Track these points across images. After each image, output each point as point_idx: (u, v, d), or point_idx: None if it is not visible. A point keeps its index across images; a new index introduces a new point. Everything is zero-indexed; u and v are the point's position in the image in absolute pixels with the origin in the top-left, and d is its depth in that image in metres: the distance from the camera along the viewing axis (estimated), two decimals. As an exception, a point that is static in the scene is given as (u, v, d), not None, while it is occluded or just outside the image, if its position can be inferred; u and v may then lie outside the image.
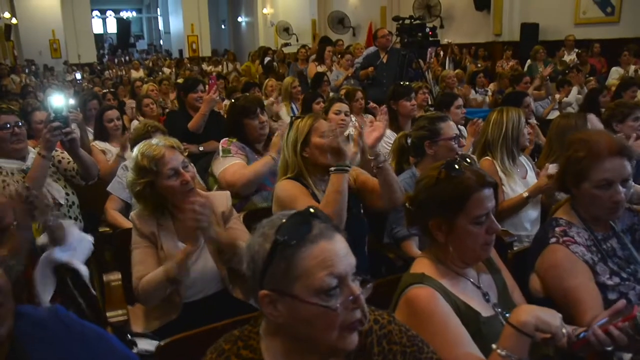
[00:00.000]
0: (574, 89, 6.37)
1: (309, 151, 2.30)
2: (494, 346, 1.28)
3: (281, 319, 1.08)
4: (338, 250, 1.07)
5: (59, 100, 2.64)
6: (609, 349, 1.29)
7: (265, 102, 5.15)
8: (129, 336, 2.05)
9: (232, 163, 2.90)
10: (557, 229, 1.81)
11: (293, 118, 2.45)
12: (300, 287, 1.04)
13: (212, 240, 2.06)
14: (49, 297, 2.13)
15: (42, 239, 2.13)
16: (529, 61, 9.38)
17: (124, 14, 28.14)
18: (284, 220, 1.09)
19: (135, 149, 2.15)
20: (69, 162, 3.00)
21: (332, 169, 2.14)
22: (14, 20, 17.93)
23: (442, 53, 10.04)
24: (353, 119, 4.29)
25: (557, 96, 6.39)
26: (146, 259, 2.07)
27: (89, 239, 2.30)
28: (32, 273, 2.09)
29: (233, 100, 3.35)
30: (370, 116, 4.86)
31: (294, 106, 5.78)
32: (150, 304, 2.09)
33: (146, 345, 1.98)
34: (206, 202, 1.97)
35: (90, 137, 4.27)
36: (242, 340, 1.16)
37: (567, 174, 1.82)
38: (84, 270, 2.23)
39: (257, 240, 1.10)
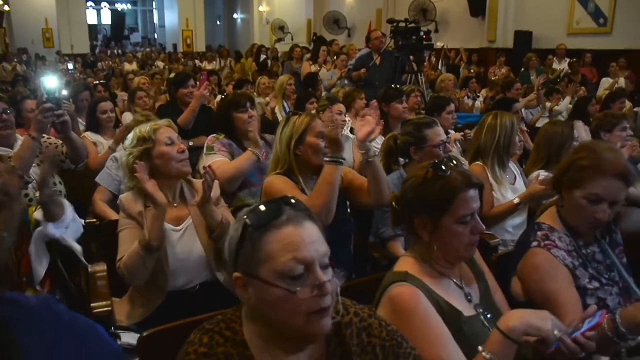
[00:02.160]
0: (566, 99, 6.42)
1: (303, 149, 2.31)
2: (480, 348, 1.30)
3: (252, 301, 1.12)
4: (305, 236, 1.09)
5: (51, 82, 2.62)
6: (582, 355, 1.30)
7: (259, 100, 5.17)
8: (112, 328, 2.05)
9: (213, 161, 2.89)
10: (538, 233, 1.82)
11: (290, 113, 2.45)
12: (266, 270, 1.07)
13: (206, 216, 2.08)
14: (43, 270, 2.18)
15: (38, 214, 2.16)
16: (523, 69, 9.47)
17: (119, 6, 27.95)
18: (256, 206, 1.13)
19: (134, 128, 2.25)
20: (56, 147, 2.98)
21: (327, 159, 2.15)
22: (6, 7, 17.74)
23: (434, 58, 10.09)
24: (347, 119, 4.31)
25: (548, 104, 6.45)
26: (131, 239, 2.07)
27: (80, 221, 2.33)
28: (27, 250, 2.13)
29: (222, 95, 3.36)
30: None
31: (285, 104, 5.79)
32: (135, 282, 2.10)
33: (129, 338, 1.98)
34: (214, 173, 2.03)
35: (81, 128, 4.25)
36: (224, 322, 1.19)
37: (565, 175, 1.83)
38: (77, 247, 2.27)
39: (234, 226, 1.15)
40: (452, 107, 4.05)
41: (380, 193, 2.25)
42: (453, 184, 1.51)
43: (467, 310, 1.53)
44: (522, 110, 5.36)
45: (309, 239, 1.09)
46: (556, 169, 1.95)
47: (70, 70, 11.53)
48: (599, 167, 1.74)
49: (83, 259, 2.31)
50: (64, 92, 4.21)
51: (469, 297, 1.58)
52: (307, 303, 1.06)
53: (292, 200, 1.14)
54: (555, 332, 1.24)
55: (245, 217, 1.12)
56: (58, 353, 1.24)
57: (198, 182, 2.30)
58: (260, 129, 3.12)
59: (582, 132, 4.37)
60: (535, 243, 1.79)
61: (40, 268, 2.18)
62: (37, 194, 2.73)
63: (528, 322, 1.26)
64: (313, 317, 1.08)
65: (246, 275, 1.10)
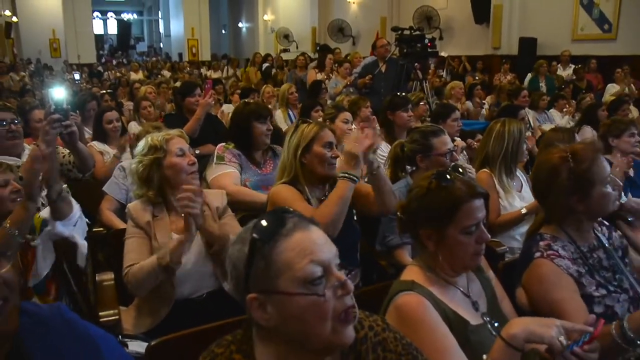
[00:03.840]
0: (565, 118, 6.44)
1: (309, 158, 2.30)
2: (484, 357, 1.29)
3: (272, 321, 1.06)
4: (316, 239, 1.07)
5: (59, 93, 2.64)
6: None
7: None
8: (120, 337, 2.06)
9: (224, 172, 2.92)
10: (541, 243, 1.81)
11: (300, 121, 2.45)
12: (285, 281, 1.04)
13: (203, 231, 2.08)
14: (47, 270, 2.21)
15: (44, 213, 2.18)
16: (529, 75, 9.45)
17: (125, 16, 28.17)
18: (257, 222, 1.10)
19: (145, 136, 2.26)
20: (64, 157, 3.00)
21: (342, 174, 2.13)
22: (14, 19, 17.95)
23: (432, 66, 10.09)
24: (354, 127, 4.32)
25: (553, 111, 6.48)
26: (138, 248, 2.09)
27: (85, 219, 2.36)
28: (33, 258, 2.15)
29: (244, 101, 3.36)
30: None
31: (290, 113, 5.81)
32: (140, 293, 2.11)
33: (137, 347, 1.99)
34: (200, 190, 2.01)
35: (88, 137, 4.28)
36: (234, 344, 1.15)
37: (573, 193, 1.78)
38: (84, 245, 2.30)
39: (236, 247, 1.11)
40: (457, 114, 4.04)
41: (385, 203, 2.24)
42: (457, 194, 1.50)
43: (474, 319, 1.53)
44: (527, 116, 5.35)
45: (320, 241, 1.08)
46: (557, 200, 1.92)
47: (77, 80, 11.60)
48: (592, 157, 1.78)
49: (84, 258, 2.31)
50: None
51: (476, 306, 1.58)
52: (333, 306, 1.05)
53: (291, 210, 1.13)
54: (561, 338, 1.21)
55: (250, 233, 1.08)
56: None
57: (207, 192, 2.32)
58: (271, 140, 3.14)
59: (588, 137, 4.37)
60: (538, 254, 1.78)
61: (44, 268, 2.19)
62: (46, 201, 2.76)
63: (530, 329, 1.24)
64: (339, 324, 1.05)
65: (263, 294, 1.05)
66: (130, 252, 2.10)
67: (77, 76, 12.27)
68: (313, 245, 1.06)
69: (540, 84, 8.46)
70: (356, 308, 1.09)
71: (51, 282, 2.20)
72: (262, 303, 1.06)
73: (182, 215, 1.98)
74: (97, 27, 25.08)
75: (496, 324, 1.53)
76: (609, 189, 1.79)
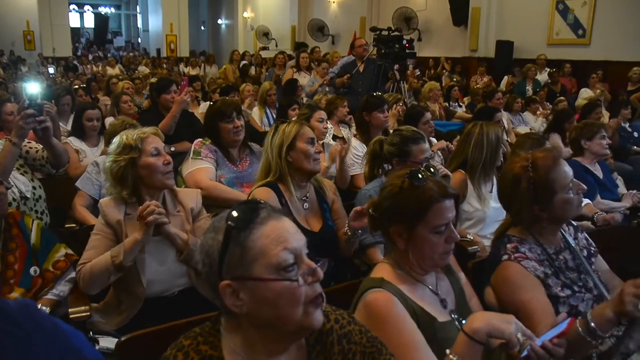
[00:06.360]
0: (539, 120, 6.56)
1: (294, 156, 2.35)
2: (447, 351, 1.32)
3: (245, 307, 1.09)
4: (288, 228, 1.12)
5: (33, 88, 2.60)
6: None
7: (243, 107, 5.17)
8: (91, 333, 2.05)
9: (200, 167, 2.92)
10: (508, 246, 1.86)
11: (279, 122, 2.49)
12: (259, 267, 1.07)
13: (171, 239, 2.10)
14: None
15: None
16: (505, 77, 9.58)
17: (102, 10, 27.72)
18: (230, 212, 1.13)
19: (120, 134, 2.22)
20: (37, 152, 2.96)
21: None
22: (-14, 9, 17.55)
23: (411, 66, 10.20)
24: (330, 126, 4.33)
25: (527, 113, 6.58)
26: (100, 246, 2.08)
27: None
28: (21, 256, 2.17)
29: (211, 102, 3.36)
30: (346, 127, 4.91)
31: (268, 111, 5.79)
32: (90, 291, 2.11)
33: (107, 343, 1.98)
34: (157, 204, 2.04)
35: (62, 129, 4.22)
36: (202, 336, 1.18)
37: (535, 202, 1.82)
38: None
39: (209, 235, 1.13)
40: (427, 117, 4.05)
41: (345, 253, 2.43)
42: (428, 194, 1.53)
43: (441, 316, 1.56)
44: (503, 118, 5.44)
45: (292, 230, 1.12)
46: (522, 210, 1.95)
47: (52, 74, 11.41)
48: (550, 165, 1.83)
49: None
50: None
51: (444, 304, 1.61)
52: (304, 291, 1.08)
53: (263, 201, 1.16)
54: (519, 335, 1.25)
55: (225, 222, 1.11)
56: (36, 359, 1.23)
57: (182, 192, 2.31)
58: (247, 137, 3.14)
59: (559, 144, 4.48)
60: (506, 256, 1.82)
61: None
62: (18, 197, 2.72)
63: (491, 323, 1.28)
64: (310, 307, 1.09)
65: (236, 280, 1.08)
66: (91, 249, 2.10)
67: (51, 70, 12.06)
68: (286, 234, 1.10)
69: (527, 87, 8.57)
70: (324, 296, 1.13)
71: (39, 277, 2.20)
72: (236, 290, 1.09)
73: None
74: (74, 20, 24.63)
75: (463, 321, 1.55)
76: (571, 194, 1.83)
